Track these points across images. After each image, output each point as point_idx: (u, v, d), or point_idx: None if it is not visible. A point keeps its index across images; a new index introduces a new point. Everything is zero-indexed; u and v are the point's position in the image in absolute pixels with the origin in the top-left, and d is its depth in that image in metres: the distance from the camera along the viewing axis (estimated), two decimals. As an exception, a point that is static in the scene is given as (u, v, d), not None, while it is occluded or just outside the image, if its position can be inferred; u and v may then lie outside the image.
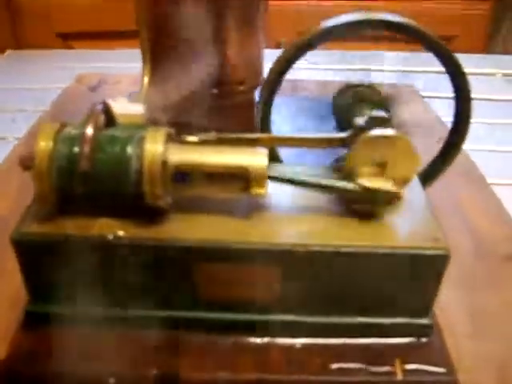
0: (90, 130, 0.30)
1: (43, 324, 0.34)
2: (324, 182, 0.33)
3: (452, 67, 0.37)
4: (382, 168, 0.33)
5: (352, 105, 0.38)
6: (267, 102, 0.36)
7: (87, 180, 0.31)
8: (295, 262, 0.32)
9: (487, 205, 0.51)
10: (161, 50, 0.41)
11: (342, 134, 0.35)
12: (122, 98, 0.36)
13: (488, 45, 1.07)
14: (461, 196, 0.52)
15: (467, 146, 0.39)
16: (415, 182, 0.37)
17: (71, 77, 0.73)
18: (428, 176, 0.39)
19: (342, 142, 0.35)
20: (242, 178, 0.32)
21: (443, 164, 0.38)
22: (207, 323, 0.34)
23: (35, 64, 0.86)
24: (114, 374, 0.33)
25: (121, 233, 0.32)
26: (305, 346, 0.35)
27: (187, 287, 0.33)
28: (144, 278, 0.33)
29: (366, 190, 0.32)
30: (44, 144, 0.31)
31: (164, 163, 0.31)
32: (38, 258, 0.32)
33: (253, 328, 0.34)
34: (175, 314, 0.34)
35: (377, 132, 0.33)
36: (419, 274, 0.32)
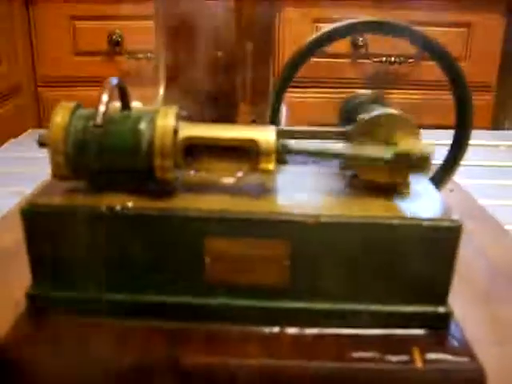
0: (105, 97, 0.31)
1: (44, 309, 0.33)
2: (328, 148, 0.33)
3: (453, 75, 0.38)
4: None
5: (357, 108, 0.39)
6: (279, 95, 0.37)
7: (100, 151, 0.31)
8: (305, 235, 0.31)
9: (498, 237, 0.51)
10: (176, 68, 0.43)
11: (348, 127, 0.36)
12: (135, 102, 0.38)
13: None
14: (472, 230, 0.51)
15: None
16: (424, 179, 0.37)
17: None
18: (439, 179, 0.39)
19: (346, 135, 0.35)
20: (251, 156, 0.32)
21: (451, 168, 0.39)
22: (214, 310, 0.33)
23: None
24: (117, 361, 0.31)
25: (129, 204, 0.32)
26: (318, 335, 0.33)
27: (195, 267, 0.32)
28: (151, 256, 0.32)
29: (400, 154, 0.32)
30: (60, 118, 0.32)
31: (175, 136, 0.32)
32: (45, 231, 0.32)
33: (262, 316, 0.33)
34: (182, 300, 0.33)
35: (376, 113, 0.34)
36: (433, 248, 0.31)
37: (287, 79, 0.38)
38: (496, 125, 1.14)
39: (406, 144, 0.32)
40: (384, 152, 0.32)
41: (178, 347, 0.32)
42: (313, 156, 0.33)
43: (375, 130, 0.33)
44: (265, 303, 0.33)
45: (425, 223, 0.31)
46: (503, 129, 1.14)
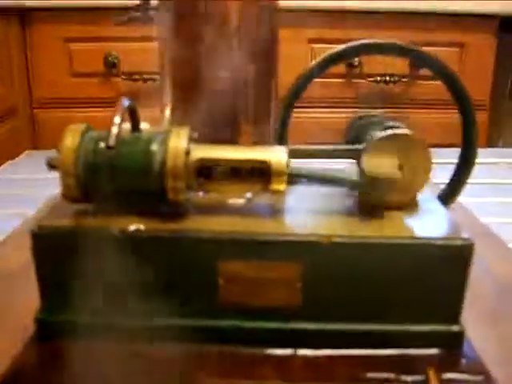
0: (117, 119, 0.31)
1: (54, 333, 0.33)
2: (334, 175, 0.34)
3: (457, 92, 0.39)
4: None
5: (366, 128, 0.39)
6: (287, 111, 0.37)
7: (111, 173, 0.31)
8: (318, 256, 0.31)
9: (503, 255, 0.51)
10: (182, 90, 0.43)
11: (360, 146, 0.36)
12: (144, 124, 0.38)
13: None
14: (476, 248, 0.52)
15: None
16: (432, 198, 0.37)
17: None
18: (447, 197, 0.40)
19: (359, 153, 0.35)
20: (262, 176, 0.32)
21: (460, 183, 0.39)
22: (227, 332, 0.33)
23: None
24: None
25: (141, 226, 0.31)
26: (331, 357, 0.32)
27: (208, 289, 0.32)
28: (164, 278, 0.32)
29: (370, 178, 0.33)
30: (70, 140, 0.32)
31: (187, 157, 0.32)
32: (55, 254, 0.32)
33: (274, 338, 0.33)
34: (194, 323, 0.33)
35: (390, 132, 0.34)
36: (446, 267, 0.31)
37: (296, 95, 0.38)
38: (490, 143, 1.16)
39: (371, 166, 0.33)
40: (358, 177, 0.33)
41: (191, 370, 0.31)
42: (320, 182, 0.33)
43: (387, 150, 0.34)
44: (277, 325, 0.33)
45: (437, 242, 0.31)
46: (497, 147, 1.15)
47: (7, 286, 0.45)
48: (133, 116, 0.33)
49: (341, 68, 1.12)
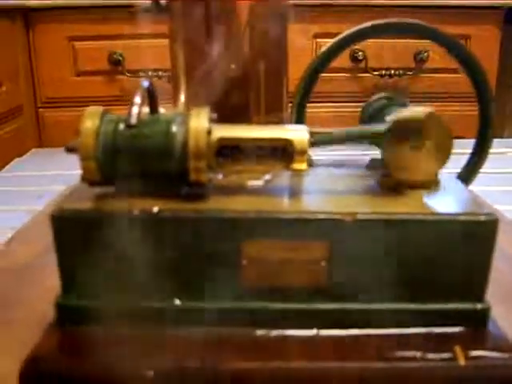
0: (137, 99, 0.31)
1: (75, 319, 0.32)
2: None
3: (471, 68, 0.39)
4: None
5: (381, 111, 0.39)
6: (304, 95, 0.37)
7: (132, 155, 0.31)
8: (343, 234, 0.31)
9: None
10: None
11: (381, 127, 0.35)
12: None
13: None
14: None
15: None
16: (452, 177, 0.37)
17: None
18: (466, 176, 0.39)
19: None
20: (283, 155, 0.32)
21: (479, 162, 0.39)
22: (250, 314, 0.32)
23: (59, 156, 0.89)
24: (152, 367, 0.30)
25: (164, 207, 0.31)
26: (357, 336, 0.32)
27: (231, 271, 0.32)
28: (187, 260, 0.32)
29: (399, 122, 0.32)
30: (90, 122, 0.32)
31: (208, 137, 0.31)
32: (76, 238, 0.31)
33: (299, 318, 0.32)
34: (218, 305, 0.32)
35: (408, 112, 0.34)
36: (471, 243, 0.31)
37: (310, 81, 0.38)
38: (496, 133, 1.15)
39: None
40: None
41: (216, 353, 0.31)
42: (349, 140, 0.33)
43: (411, 129, 0.33)
44: (302, 305, 0.32)
45: (461, 218, 0.31)
46: (503, 137, 1.15)
47: (19, 279, 0.44)
48: (151, 98, 0.33)
49: (346, 62, 1.12)
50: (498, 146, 0.90)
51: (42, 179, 0.79)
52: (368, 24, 0.37)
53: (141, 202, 0.32)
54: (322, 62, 0.38)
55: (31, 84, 1.13)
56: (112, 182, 0.33)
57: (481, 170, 0.76)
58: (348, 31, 0.38)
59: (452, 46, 0.38)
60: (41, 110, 1.15)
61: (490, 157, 0.82)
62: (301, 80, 0.39)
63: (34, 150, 0.96)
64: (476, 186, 0.64)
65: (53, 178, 0.79)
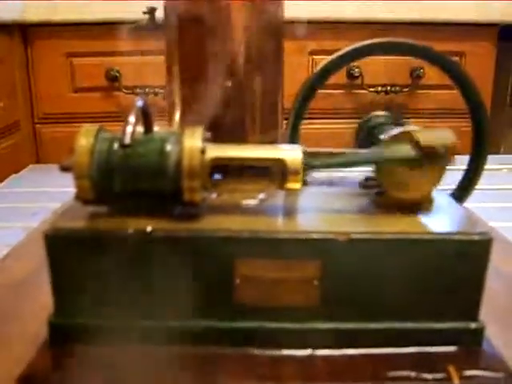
0: (132, 118, 0.31)
1: (68, 338, 0.32)
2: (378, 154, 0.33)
3: (464, 85, 0.39)
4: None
5: (376, 130, 0.39)
6: (299, 114, 0.37)
7: (126, 174, 0.31)
8: (336, 254, 0.31)
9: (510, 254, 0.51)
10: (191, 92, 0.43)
11: (371, 149, 0.36)
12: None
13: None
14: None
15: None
16: (446, 195, 0.37)
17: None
18: (460, 194, 0.40)
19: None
20: (277, 175, 0.32)
21: (473, 179, 0.39)
22: (243, 333, 0.32)
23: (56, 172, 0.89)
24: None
25: (157, 227, 0.31)
26: (351, 356, 0.32)
27: (224, 290, 0.32)
28: (180, 279, 0.31)
29: (423, 148, 0.32)
30: (85, 141, 0.32)
31: (202, 157, 0.31)
32: (69, 257, 0.31)
33: (293, 338, 0.32)
34: (211, 324, 0.32)
35: (403, 129, 0.34)
36: (464, 262, 0.31)
37: (306, 98, 0.38)
38: (491, 150, 1.16)
39: (427, 138, 0.33)
40: (409, 151, 0.33)
41: (209, 373, 0.31)
42: (339, 166, 0.33)
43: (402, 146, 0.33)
44: (295, 325, 0.32)
45: (455, 237, 0.31)
46: (499, 153, 1.15)
47: (14, 295, 0.44)
48: (146, 117, 0.33)
49: (342, 78, 1.12)
50: (493, 163, 0.90)
51: (38, 196, 0.79)
52: (363, 43, 0.37)
53: (134, 221, 0.32)
54: (315, 83, 0.38)
55: (29, 100, 1.13)
56: (106, 201, 0.33)
57: (476, 187, 0.77)
58: (342, 50, 0.38)
59: (444, 64, 0.38)
60: (38, 125, 1.15)
61: (485, 173, 0.83)
62: (295, 98, 0.39)
63: (31, 166, 0.96)
64: (472, 203, 0.65)
65: (49, 194, 0.79)
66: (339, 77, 1.12)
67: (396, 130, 0.34)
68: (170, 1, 0.45)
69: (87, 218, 0.33)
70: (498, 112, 1.17)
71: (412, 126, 0.35)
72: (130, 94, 1.11)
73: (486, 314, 0.33)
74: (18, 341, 0.36)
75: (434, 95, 1.14)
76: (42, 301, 0.37)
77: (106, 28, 1.07)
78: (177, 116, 0.42)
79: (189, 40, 0.45)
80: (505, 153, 1.15)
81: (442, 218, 0.33)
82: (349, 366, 0.31)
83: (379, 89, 1.14)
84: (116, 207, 0.33)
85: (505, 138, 1.16)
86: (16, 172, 0.93)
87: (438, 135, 0.33)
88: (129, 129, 0.30)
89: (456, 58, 1.13)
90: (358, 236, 0.31)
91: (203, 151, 0.31)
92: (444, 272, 0.31)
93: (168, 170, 0.31)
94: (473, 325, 0.33)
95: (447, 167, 0.34)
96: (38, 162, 1.12)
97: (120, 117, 1.07)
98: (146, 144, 0.32)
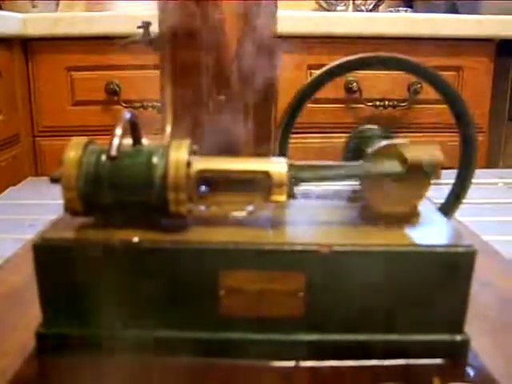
0: (118, 130, 0.31)
1: (55, 347, 0.32)
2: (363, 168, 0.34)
3: (450, 97, 0.39)
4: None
5: (364, 144, 0.40)
6: (287, 127, 0.38)
7: (113, 186, 0.32)
8: (319, 265, 0.31)
9: (504, 269, 0.51)
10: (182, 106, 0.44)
11: (357, 162, 0.36)
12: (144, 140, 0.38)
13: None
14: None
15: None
16: (433, 209, 0.37)
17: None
18: (447, 208, 0.40)
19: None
20: (262, 187, 0.33)
21: (460, 194, 0.39)
22: (228, 344, 0.32)
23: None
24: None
25: (143, 237, 0.31)
26: (335, 367, 0.32)
27: (209, 301, 0.32)
28: (165, 290, 0.32)
29: (409, 164, 0.33)
30: (73, 153, 0.32)
31: (188, 169, 0.32)
32: (57, 267, 0.32)
33: (277, 349, 0.32)
34: (196, 335, 0.32)
35: (384, 143, 0.34)
36: (449, 275, 0.31)
37: (295, 109, 0.38)
38: (490, 164, 1.16)
39: (413, 153, 0.33)
40: (396, 166, 0.33)
41: (195, 383, 0.31)
42: (326, 180, 0.33)
43: (388, 159, 0.34)
44: (280, 336, 0.32)
45: (439, 250, 0.31)
46: (497, 167, 1.16)
47: (5, 307, 0.44)
48: (134, 129, 0.34)
49: (340, 93, 1.13)
50: (489, 177, 0.90)
51: (36, 208, 0.79)
52: (350, 58, 0.38)
53: (121, 232, 0.32)
54: (303, 97, 0.38)
55: (29, 113, 1.14)
56: (94, 212, 0.33)
57: (473, 201, 0.76)
58: (332, 63, 0.38)
59: (430, 77, 0.38)
60: (38, 138, 1.16)
61: (482, 187, 0.83)
62: (284, 112, 0.39)
63: (29, 178, 0.96)
64: (468, 217, 0.65)
65: (46, 207, 0.80)
66: (337, 91, 1.13)
67: (382, 144, 0.35)
68: (164, 14, 0.45)
69: (75, 229, 0.33)
70: (496, 127, 1.17)
71: (399, 140, 0.36)
72: (129, 107, 1.12)
73: (476, 327, 0.33)
74: (6, 351, 0.36)
75: (431, 110, 1.15)
76: (33, 312, 0.37)
77: (106, 42, 1.08)
78: (168, 129, 0.43)
79: (182, 53, 0.45)
80: (503, 167, 1.16)
81: (427, 231, 0.34)
82: (333, 377, 0.31)
83: (377, 103, 1.14)
84: (104, 218, 0.33)
85: (503, 153, 1.17)
86: (15, 184, 0.93)
87: (425, 150, 0.34)
88: (115, 141, 0.30)
89: (454, 73, 1.14)
90: (341, 248, 0.31)
91: (189, 163, 0.32)
92: (429, 284, 0.32)
93: (154, 183, 0.32)
94: (458, 337, 0.33)
95: (434, 181, 0.35)
96: (37, 174, 1.13)
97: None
98: (134, 156, 0.32)
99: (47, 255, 0.32)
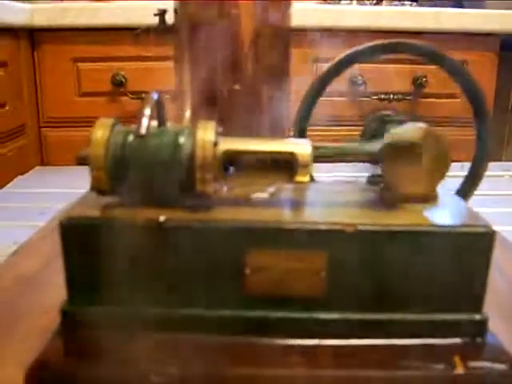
0: (147, 110, 0.32)
1: (80, 325, 0.33)
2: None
3: (467, 85, 0.40)
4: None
5: (383, 128, 0.40)
6: (306, 114, 0.38)
7: (140, 165, 0.32)
8: (343, 245, 0.32)
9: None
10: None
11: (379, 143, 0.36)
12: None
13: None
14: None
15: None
16: (450, 192, 0.38)
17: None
18: (464, 192, 0.40)
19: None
20: (286, 168, 0.33)
21: (476, 179, 0.40)
22: (252, 322, 0.33)
23: (61, 174, 0.90)
24: (157, 373, 0.31)
25: (170, 216, 0.32)
26: (356, 346, 0.33)
27: (234, 280, 0.32)
28: (191, 269, 0.32)
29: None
30: (100, 133, 0.33)
31: (215, 149, 0.32)
32: (83, 245, 0.32)
33: (299, 328, 0.33)
34: (221, 313, 0.33)
35: (410, 125, 0.35)
36: (468, 255, 0.32)
37: (314, 95, 0.39)
38: (494, 157, 1.17)
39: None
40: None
41: (218, 360, 0.32)
42: (348, 155, 0.34)
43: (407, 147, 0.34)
44: (302, 315, 0.33)
45: (459, 230, 0.32)
46: (501, 161, 1.17)
47: (22, 291, 0.45)
48: (160, 110, 0.34)
49: (345, 86, 1.14)
50: (495, 170, 0.91)
51: (45, 196, 0.80)
52: (375, 43, 0.38)
53: (147, 211, 0.32)
54: (322, 84, 0.39)
55: (35, 103, 1.15)
56: (120, 192, 0.33)
57: (479, 193, 0.77)
58: (355, 48, 0.39)
59: (450, 66, 0.39)
60: (43, 129, 1.17)
61: (487, 179, 0.84)
62: (301, 102, 0.40)
63: (37, 167, 0.97)
64: (474, 208, 0.65)
65: (55, 195, 0.80)
66: (342, 84, 1.14)
67: (395, 130, 0.35)
68: (182, 2, 0.46)
69: (101, 207, 0.33)
70: (500, 120, 1.18)
71: (413, 125, 0.36)
72: (135, 99, 1.12)
73: (489, 310, 0.34)
74: (27, 335, 0.37)
75: (436, 103, 1.15)
76: (49, 296, 0.37)
77: (113, 33, 1.09)
78: (187, 114, 0.43)
79: (199, 42, 0.46)
80: (506, 160, 1.17)
81: (446, 213, 0.34)
82: (355, 356, 0.32)
83: (382, 96, 1.15)
84: (130, 198, 0.33)
85: (506, 146, 1.18)
86: (22, 174, 0.94)
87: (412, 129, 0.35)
88: (144, 120, 0.31)
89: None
90: (365, 228, 0.32)
91: (216, 144, 0.32)
92: (448, 264, 0.32)
93: (181, 162, 0.32)
94: (477, 316, 0.33)
95: (450, 164, 0.35)
96: (43, 164, 1.13)
97: (125, 122, 1.08)
98: (160, 136, 0.33)
99: (73, 233, 0.32)
